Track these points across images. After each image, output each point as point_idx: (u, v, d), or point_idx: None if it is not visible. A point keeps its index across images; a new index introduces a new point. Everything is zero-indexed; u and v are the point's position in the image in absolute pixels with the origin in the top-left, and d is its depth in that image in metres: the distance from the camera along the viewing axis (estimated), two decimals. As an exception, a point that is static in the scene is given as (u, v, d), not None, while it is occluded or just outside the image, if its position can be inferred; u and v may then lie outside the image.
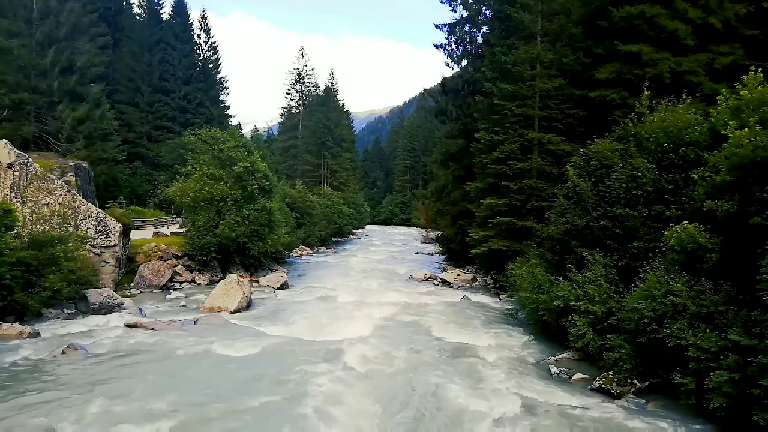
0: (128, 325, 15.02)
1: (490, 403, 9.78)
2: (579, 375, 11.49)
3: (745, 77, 10.47)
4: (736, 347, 8.30)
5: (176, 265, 23.88)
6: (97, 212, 20.51)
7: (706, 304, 9.23)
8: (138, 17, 50.21)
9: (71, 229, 18.99)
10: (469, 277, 27.17)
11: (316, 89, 73.56)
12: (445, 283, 26.30)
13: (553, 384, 11.14)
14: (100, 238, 20.06)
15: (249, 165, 25.48)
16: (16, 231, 16.22)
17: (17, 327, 13.62)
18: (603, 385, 10.53)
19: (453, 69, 31.95)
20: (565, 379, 11.51)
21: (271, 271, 27.65)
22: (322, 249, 46.27)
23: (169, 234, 27.52)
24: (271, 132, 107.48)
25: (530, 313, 15.30)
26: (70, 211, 19.46)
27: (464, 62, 31.49)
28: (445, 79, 32.74)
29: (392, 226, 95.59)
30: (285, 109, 74.14)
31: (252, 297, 19.50)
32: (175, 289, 22.34)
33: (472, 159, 24.86)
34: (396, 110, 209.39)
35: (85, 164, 26.39)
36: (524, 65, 21.36)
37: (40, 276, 15.60)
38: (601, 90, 18.06)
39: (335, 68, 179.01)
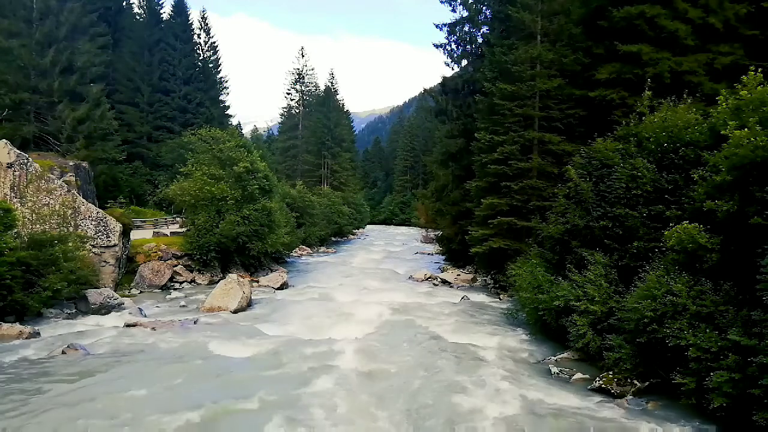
0: (128, 325, 15.03)
1: (490, 403, 9.77)
2: (579, 375, 11.49)
3: (744, 77, 10.47)
4: (736, 347, 8.30)
5: (176, 265, 23.89)
6: (97, 212, 20.51)
7: (706, 304, 9.22)
8: (138, 17, 50.15)
9: (71, 229, 19.00)
10: (469, 277, 27.17)
11: (316, 89, 73.56)
12: (444, 283, 26.32)
13: (553, 384, 11.14)
14: (100, 238, 20.07)
15: (249, 165, 25.52)
16: (16, 231, 16.22)
17: (17, 327, 13.63)
18: (603, 385, 10.53)
19: (453, 69, 31.97)
20: (565, 379, 11.51)
21: (271, 271, 27.65)
22: (322, 249, 46.27)
23: (169, 234, 27.53)
24: (271, 132, 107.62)
25: (530, 313, 15.29)
26: (70, 211, 19.47)
27: (464, 62, 31.47)
28: (445, 79, 32.71)
29: (392, 226, 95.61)
30: (285, 109, 74.09)
31: (252, 297, 19.51)
32: (175, 289, 22.34)
33: (472, 159, 24.84)
34: (396, 110, 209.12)
35: (85, 164, 26.40)
36: (524, 65, 21.36)
37: (40, 276, 15.61)
38: (601, 90, 18.04)
39: (335, 68, 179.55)
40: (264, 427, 8.63)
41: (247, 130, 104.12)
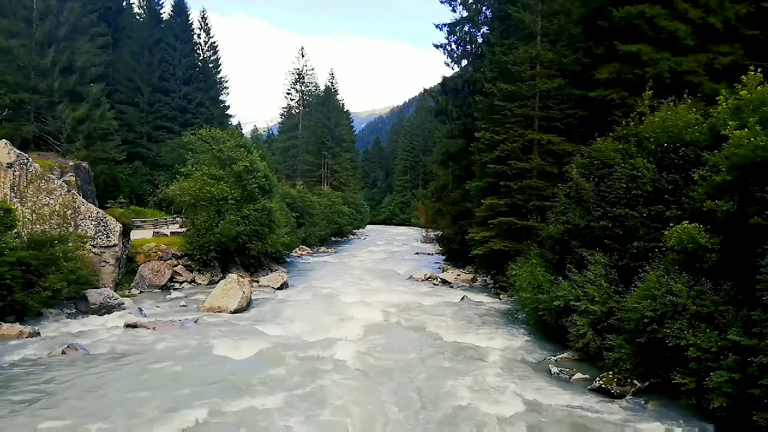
0: (128, 325, 15.03)
1: (490, 403, 9.78)
2: (579, 375, 11.49)
3: (744, 77, 10.47)
4: (736, 347, 8.30)
5: (176, 265, 23.89)
6: (97, 212, 20.51)
7: (706, 304, 9.22)
8: (138, 17, 50.16)
9: (71, 229, 18.98)
10: (469, 277, 27.18)
11: (316, 89, 73.54)
12: (445, 283, 26.32)
13: (553, 384, 11.14)
14: (100, 238, 20.06)
15: (248, 164, 25.53)
16: (16, 231, 16.21)
17: (17, 327, 13.63)
18: (603, 385, 10.53)
19: (453, 69, 32.00)
20: (565, 379, 11.51)
21: (271, 271, 27.65)
22: (322, 249, 46.27)
23: (169, 234, 27.53)
24: (271, 132, 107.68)
25: (530, 313, 15.30)
26: (70, 211, 19.46)
27: (464, 62, 31.48)
28: (445, 79, 32.72)
29: (392, 226, 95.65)
30: (285, 109, 74.07)
31: (252, 297, 19.50)
32: (175, 289, 22.34)
33: (472, 159, 24.85)
34: (396, 110, 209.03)
35: (85, 164, 26.41)
36: (524, 65, 21.37)
37: (40, 276, 15.58)
38: (601, 90, 18.04)
39: (336, 68, 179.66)
40: (265, 427, 8.63)
41: (247, 130, 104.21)
